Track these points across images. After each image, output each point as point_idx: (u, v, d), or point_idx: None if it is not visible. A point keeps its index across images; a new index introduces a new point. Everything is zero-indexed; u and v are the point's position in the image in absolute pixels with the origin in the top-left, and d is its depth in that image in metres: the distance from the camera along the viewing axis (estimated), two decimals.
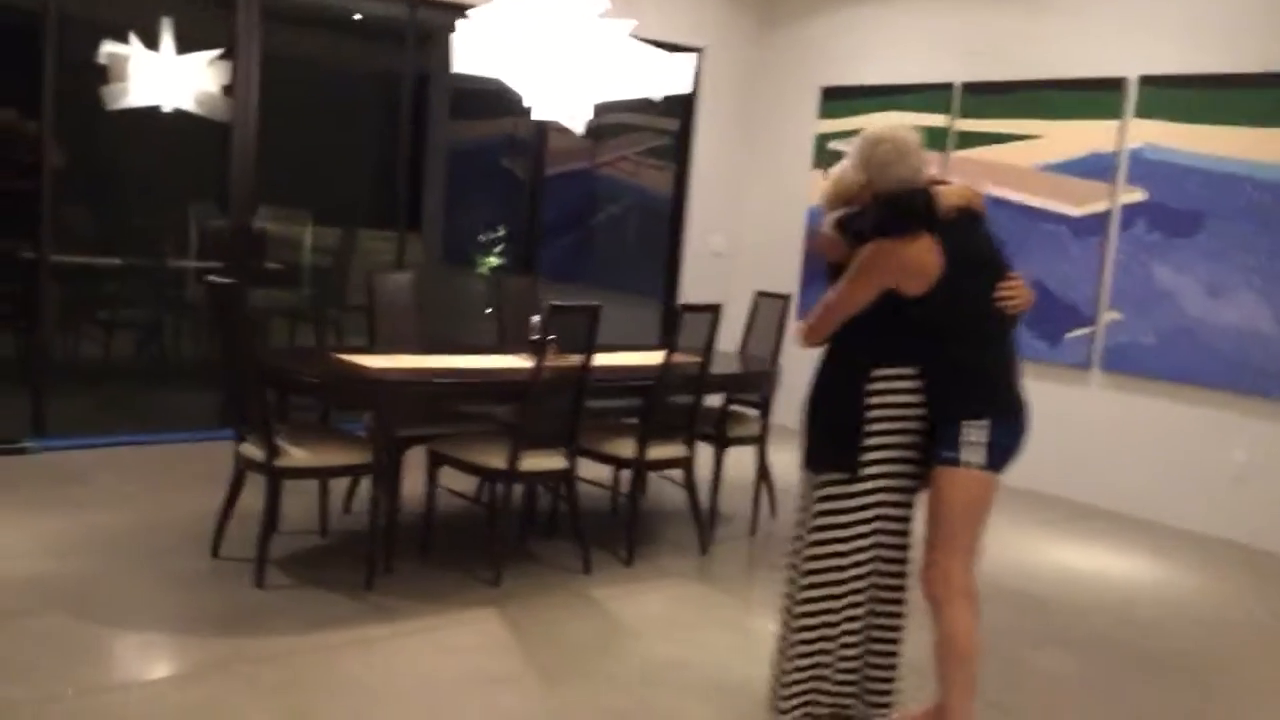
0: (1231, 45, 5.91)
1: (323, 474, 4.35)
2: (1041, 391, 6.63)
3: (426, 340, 5.31)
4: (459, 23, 4.74)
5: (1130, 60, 6.30)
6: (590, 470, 4.95)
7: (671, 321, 6.08)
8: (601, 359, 4.46)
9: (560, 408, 4.45)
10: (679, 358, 4.79)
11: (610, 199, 9.33)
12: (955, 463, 2.99)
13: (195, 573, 4.28)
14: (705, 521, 5.05)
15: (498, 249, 5.81)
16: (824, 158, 7.84)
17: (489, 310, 5.72)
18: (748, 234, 8.31)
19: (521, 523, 5.04)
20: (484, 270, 5.71)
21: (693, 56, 4.88)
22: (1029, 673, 4.03)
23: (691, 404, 4.89)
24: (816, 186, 7.88)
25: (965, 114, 7.07)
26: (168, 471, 5.72)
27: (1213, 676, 4.14)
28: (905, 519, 3.16)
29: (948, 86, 7.15)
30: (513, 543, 4.84)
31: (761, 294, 5.77)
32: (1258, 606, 5.01)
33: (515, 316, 5.53)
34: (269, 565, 4.20)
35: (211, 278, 4.66)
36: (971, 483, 3.00)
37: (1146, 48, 6.25)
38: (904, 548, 3.16)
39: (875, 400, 3.05)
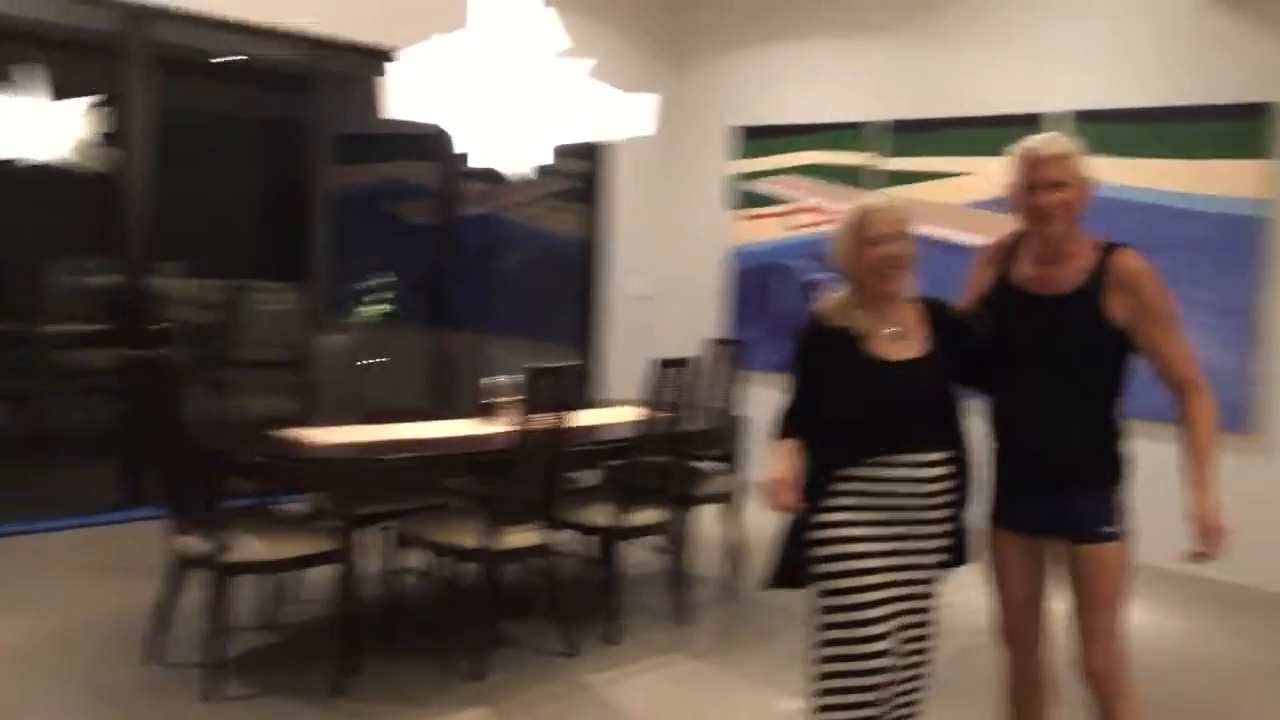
0: (1163, 79, 5.98)
1: (280, 567, 3.88)
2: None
3: (365, 407, 4.88)
4: (389, 66, 4.38)
5: (1057, 95, 6.33)
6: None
7: (588, 375, 5.78)
8: (552, 417, 4.09)
9: (536, 476, 4.09)
10: (644, 414, 4.51)
11: (514, 244, 8.98)
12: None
13: (129, 686, 3.77)
14: (685, 588, 4.74)
15: (385, 297, 5.46)
16: (740, 199, 7.69)
17: (380, 360, 5.31)
18: (668, 277, 8.08)
19: (488, 602, 4.64)
20: (368, 318, 5.35)
21: (654, 97, 4.62)
22: None
23: (668, 464, 4.59)
24: (736, 227, 7.73)
25: (896, 153, 7.00)
26: (69, 564, 5.11)
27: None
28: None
29: (866, 125, 7.07)
30: (481, 626, 4.44)
31: (717, 341, 5.52)
32: (1234, 642, 4.97)
33: (459, 377, 5.15)
34: (217, 671, 3.71)
35: (160, 353, 4.17)
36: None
37: (1067, 84, 6.28)
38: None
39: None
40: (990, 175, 6.55)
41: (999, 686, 3.08)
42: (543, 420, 3.98)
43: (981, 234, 6.55)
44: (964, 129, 6.67)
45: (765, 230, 7.59)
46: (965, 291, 3.00)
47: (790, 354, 2.91)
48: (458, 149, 4.42)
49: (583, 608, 4.56)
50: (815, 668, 2.81)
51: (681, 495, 4.81)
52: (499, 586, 4.58)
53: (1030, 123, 6.36)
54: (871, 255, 2.76)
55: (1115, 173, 6.11)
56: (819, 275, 7.30)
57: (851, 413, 2.77)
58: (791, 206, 7.45)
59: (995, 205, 6.48)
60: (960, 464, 2.82)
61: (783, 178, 7.48)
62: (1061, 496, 2.80)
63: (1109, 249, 2.81)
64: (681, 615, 4.69)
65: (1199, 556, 2.70)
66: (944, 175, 6.77)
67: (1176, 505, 2.88)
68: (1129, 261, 2.79)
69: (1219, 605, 5.42)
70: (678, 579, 4.75)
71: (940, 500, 2.79)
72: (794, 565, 2.83)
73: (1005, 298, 2.87)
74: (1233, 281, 5.77)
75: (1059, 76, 6.33)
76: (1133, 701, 2.83)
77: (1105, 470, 2.82)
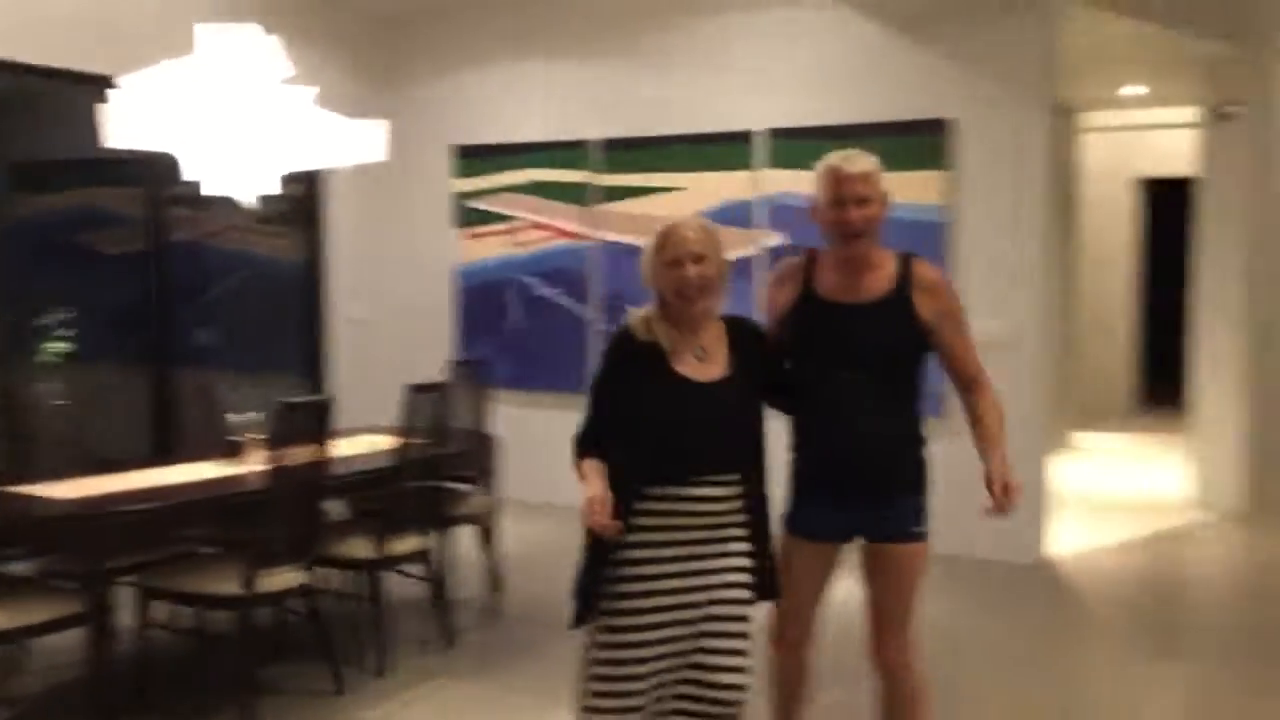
0: (855, 98, 6.51)
1: (24, 635, 3.59)
2: None
3: (86, 455, 4.58)
4: (110, 92, 4.17)
5: (755, 114, 6.75)
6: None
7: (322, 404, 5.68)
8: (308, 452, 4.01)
9: (295, 514, 3.99)
10: (390, 441, 4.51)
11: (221, 271, 8.60)
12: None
13: None
14: (448, 612, 4.74)
15: (65, 335, 5.19)
16: (464, 217, 7.72)
17: (61, 403, 5.00)
18: (392, 299, 7.98)
19: (248, 649, 4.46)
20: (49, 358, 5.07)
21: (384, 124, 4.60)
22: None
23: (426, 490, 4.58)
24: (462, 245, 7.75)
25: (608, 169, 7.24)
26: None
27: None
28: None
29: (584, 143, 7.29)
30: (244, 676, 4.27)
31: (459, 362, 5.54)
32: (954, 607, 5.48)
33: (189, 416, 4.92)
34: None
35: None
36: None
37: (770, 102, 6.72)
38: None
39: None
40: (706, 188, 6.92)
41: (767, 685, 3.17)
42: (299, 455, 3.89)
43: None
44: (677, 145, 7.00)
45: (492, 247, 7.65)
46: (766, 312, 3.04)
47: (599, 366, 2.84)
48: (187, 176, 4.24)
49: (348, 643, 4.48)
50: (582, 694, 2.77)
51: (440, 519, 4.81)
52: (259, 631, 4.43)
53: (740, 140, 6.78)
54: (671, 276, 2.74)
55: (812, 185, 6.59)
56: (549, 292, 7.46)
57: (653, 433, 2.71)
58: (517, 224, 7.55)
59: (715, 216, 6.85)
60: (760, 488, 2.81)
61: (506, 196, 7.57)
62: (873, 499, 2.90)
63: (906, 258, 2.96)
64: (448, 639, 4.69)
65: (998, 511, 2.83)
66: (662, 190, 7.07)
67: None
68: (928, 269, 2.97)
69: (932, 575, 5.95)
70: (441, 604, 4.74)
71: (738, 523, 2.77)
72: (592, 598, 2.73)
73: (812, 310, 2.91)
74: None
75: (763, 96, 6.76)
76: (925, 689, 3.01)
77: (913, 471, 2.96)
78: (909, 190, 6.33)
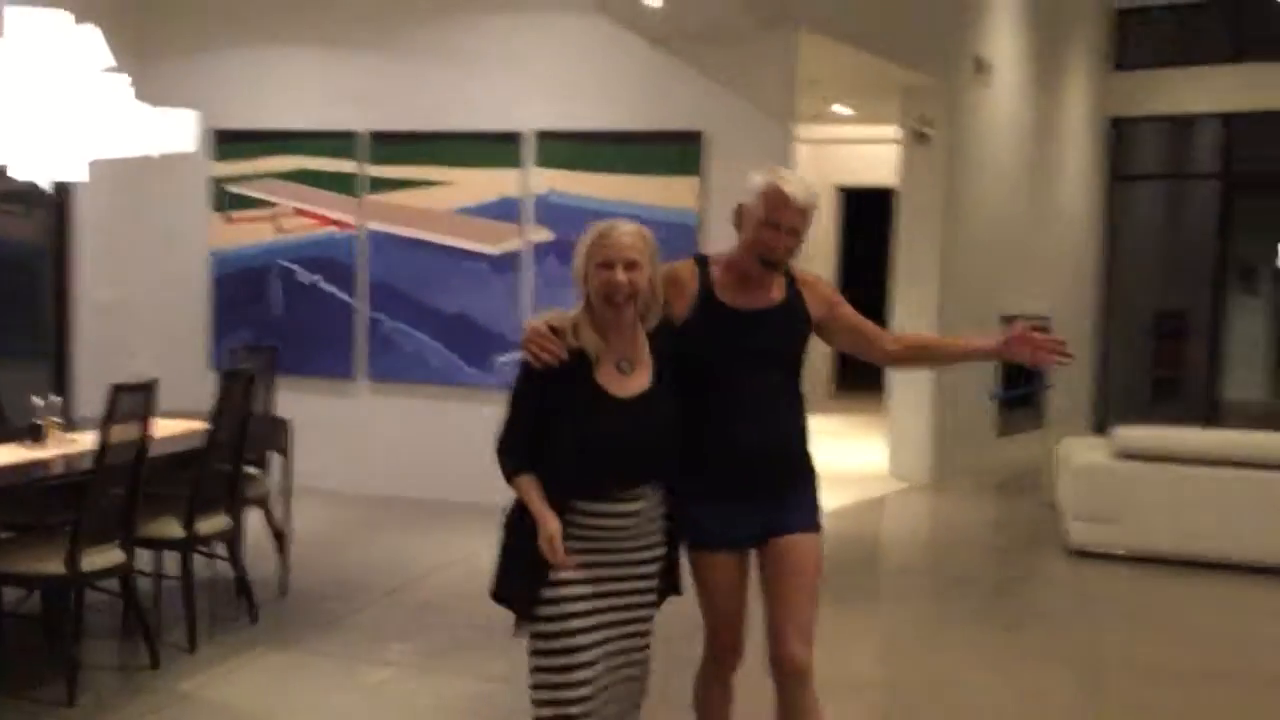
0: (619, 106, 7.04)
1: None
2: (479, 414, 7.33)
3: None
4: None
5: (524, 115, 7.17)
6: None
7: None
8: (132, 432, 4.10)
9: (117, 494, 4.08)
10: (190, 425, 4.65)
11: None
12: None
13: None
14: (249, 588, 4.91)
15: None
16: (223, 202, 7.69)
17: None
18: (144, 283, 7.82)
19: (68, 627, 4.47)
20: None
21: (195, 114, 4.70)
22: None
23: (229, 472, 4.73)
24: (221, 230, 7.71)
25: (377, 161, 7.44)
26: None
27: None
28: None
29: (353, 134, 7.46)
30: (45, 652, 4.31)
31: (247, 348, 5.65)
32: None
33: None
34: None
35: None
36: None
37: (542, 105, 7.16)
38: None
39: None
40: (475, 184, 7.26)
41: (700, 704, 3.11)
42: (123, 435, 3.99)
43: (469, 238, 7.27)
44: (447, 142, 7.30)
45: (253, 233, 7.67)
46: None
47: (520, 367, 2.75)
48: None
49: (157, 620, 4.58)
50: (534, 704, 2.75)
51: (240, 502, 4.95)
52: (76, 610, 4.46)
53: (509, 139, 7.18)
54: (601, 279, 2.66)
55: (577, 185, 7.10)
56: (315, 279, 7.56)
57: (573, 449, 2.66)
58: (280, 210, 7.60)
59: (485, 211, 7.23)
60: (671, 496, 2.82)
61: (270, 182, 7.60)
62: (784, 494, 2.93)
63: (787, 269, 2.97)
64: (252, 615, 4.85)
65: (1058, 350, 2.95)
66: (430, 184, 7.35)
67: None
68: (805, 272, 3.05)
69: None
70: (242, 582, 4.90)
71: (656, 535, 2.78)
72: (517, 591, 2.72)
73: (717, 316, 2.88)
74: None
75: (531, 98, 7.18)
76: (813, 685, 2.93)
77: (810, 464, 3.02)
78: (665, 195, 6.95)
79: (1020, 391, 9.69)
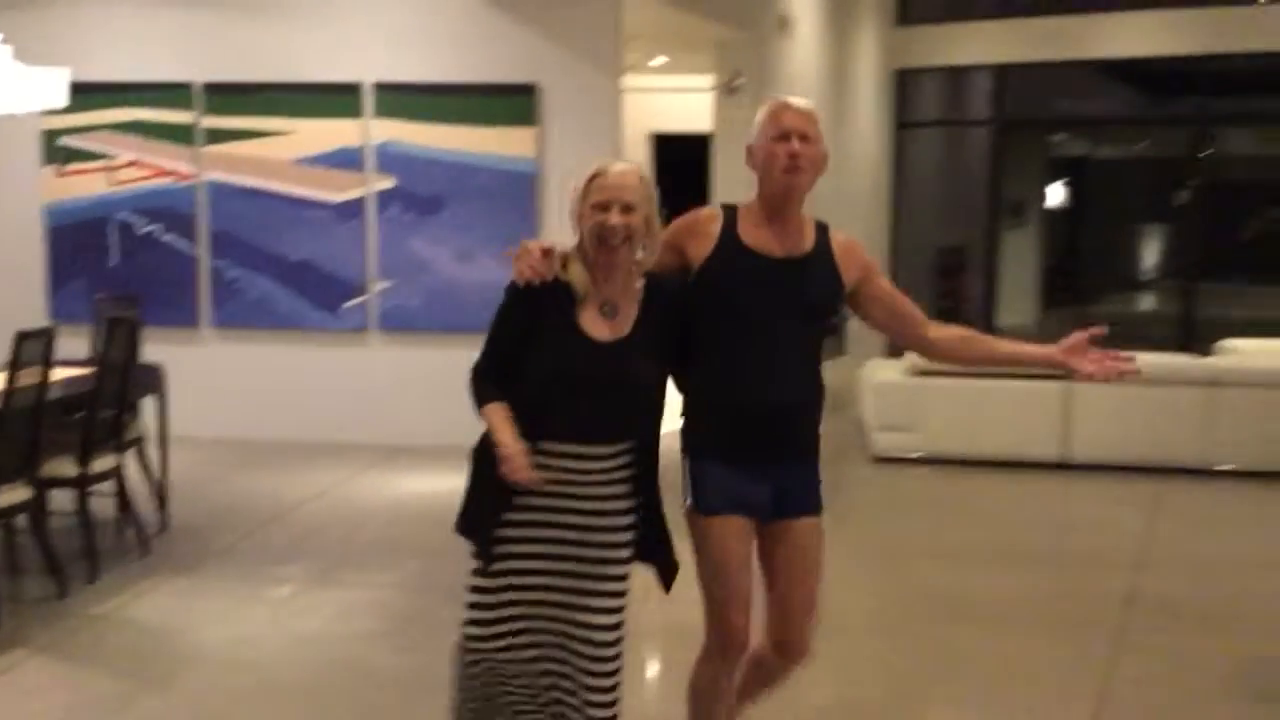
0: (448, 58, 7.38)
1: None
2: (328, 356, 7.63)
3: None
4: None
5: (366, 67, 7.43)
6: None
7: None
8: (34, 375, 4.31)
9: (21, 435, 4.30)
10: (67, 372, 4.87)
11: None
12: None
13: None
14: (140, 523, 5.17)
15: None
16: (56, 155, 7.65)
17: None
18: None
19: None
20: None
21: (67, 70, 4.84)
22: None
23: (115, 416, 4.96)
24: (49, 184, 7.67)
25: (214, 112, 7.55)
26: None
27: None
28: None
29: (189, 85, 7.54)
30: None
31: (113, 298, 5.81)
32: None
33: None
34: None
35: None
36: None
37: (380, 57, 7.43)
38: None
39: None
40: (316, 134, 7.48)
41: (700, 699, 2.91)
42: (27, 378, 4.21)
43: (310, 186, 7.50)
44: (287, 93, 7.48)
45: (88, 185, 7.66)
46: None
47: (505, 295, 2.69)
48: None
49: (58, 554, 4.81)
50: (462, 630, 2.72)
51: (124, 443, 5.19)
52: None
53: (349, 90, 7.42)
54: (595, 220, 2.61)
55: (418, 135, 7.43)
56: (153, 229, 7.64)
57: (545, 384, 2.63)
58: (115, 162, 7.62)
59: (326, 160, 7.47)
60: (652, 456, 2.71)
61: (105, 134, 7.60)
62: (795, 465, 2.80)
63: (821, 225, 2.87)
64: (143, 547, 5.11)
65: (1119, 367, 2.77)
66: (267, 134, 7.52)
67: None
68: (845, 236, 2.89)
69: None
70: (131, 516, 5.15)
71: (624, 481, 2.68)
72: (481, 524, 2.69)
73: (739, 261, 2.74)
74: (514, 221, 7.40)
75: (368, 50, 7.43)
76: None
77: (817, 435, 2.86)
78: (503, 144, 7.37)
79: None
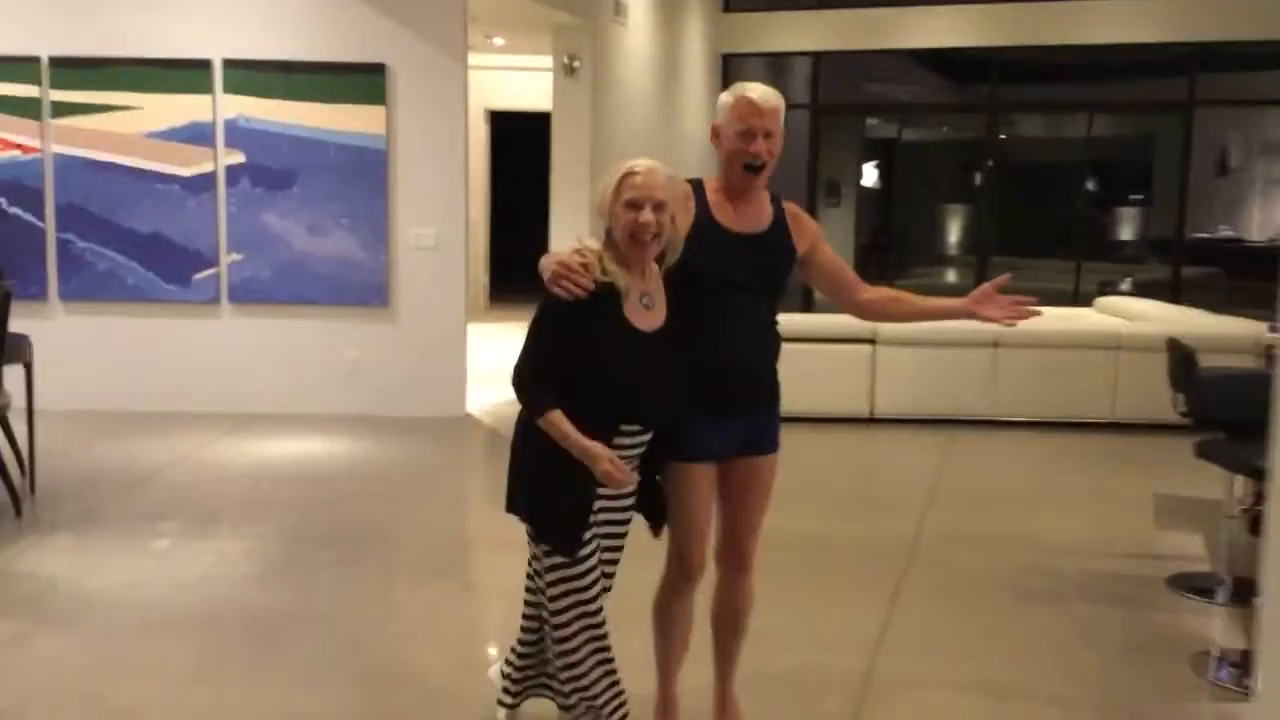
0: (298, 37, 7.65)
1: None
2: (180, 327, 7.87)
3: None
4: None
5: (217, 44, 7.63)
6: None
7: None
8: None
9: None
10: None
11: None
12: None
13: None
14: (11, 485, 5.38)
15: None
16: None
17: None
18: None
19: None
20: None
21: None
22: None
23: None
24: None
25: (58, 86, 7.62)
26: None
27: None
28: None
29: (36, 59, 7.59)
30: None
31: None
32: (394, 452, 7.11)
33: None
34: None
35: None
36: None
37: (231, 35, 7.64)
38: None
39: None
40: (166, 109, 7.65)
41: (663, 623, 3.24)
42: None
43: (160, 160, 7.68)
44: (135, 68, 7.62)
45: None
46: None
47: (548, 298, 2.82)
48: None
49: None
50: (561, 628, 2.91)
51: None
52: None
53: (200, 66, 7.61)
54: (627, 218, 2.78)
55: (269, 111, 7.69)
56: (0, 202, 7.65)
57: (601, 379, 2.80)
58: None
59: (176, 135, 7.64)
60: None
61: None
62: (759, 411, 3.13)
63: (776, 196, 3.16)
64: (16, 509, 5.34)
65: (1019, 310, 3.13)
66: (116, 109, 7.65)
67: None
68: (795, 206, 3.21)
69: (373, 431, 7.51)
70: (6, 480, 5.37)
71: (644, 455, 2.96)
72: (567, 529, 2.85)
73: (713, 237, 3.00)
74: (364, 196, 7.76)
75: (219, 28, 7.63)
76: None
77: (778, 387, 3.19)
78: (354, 122, 7.70)
79: None
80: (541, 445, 2.82)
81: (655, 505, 3.07)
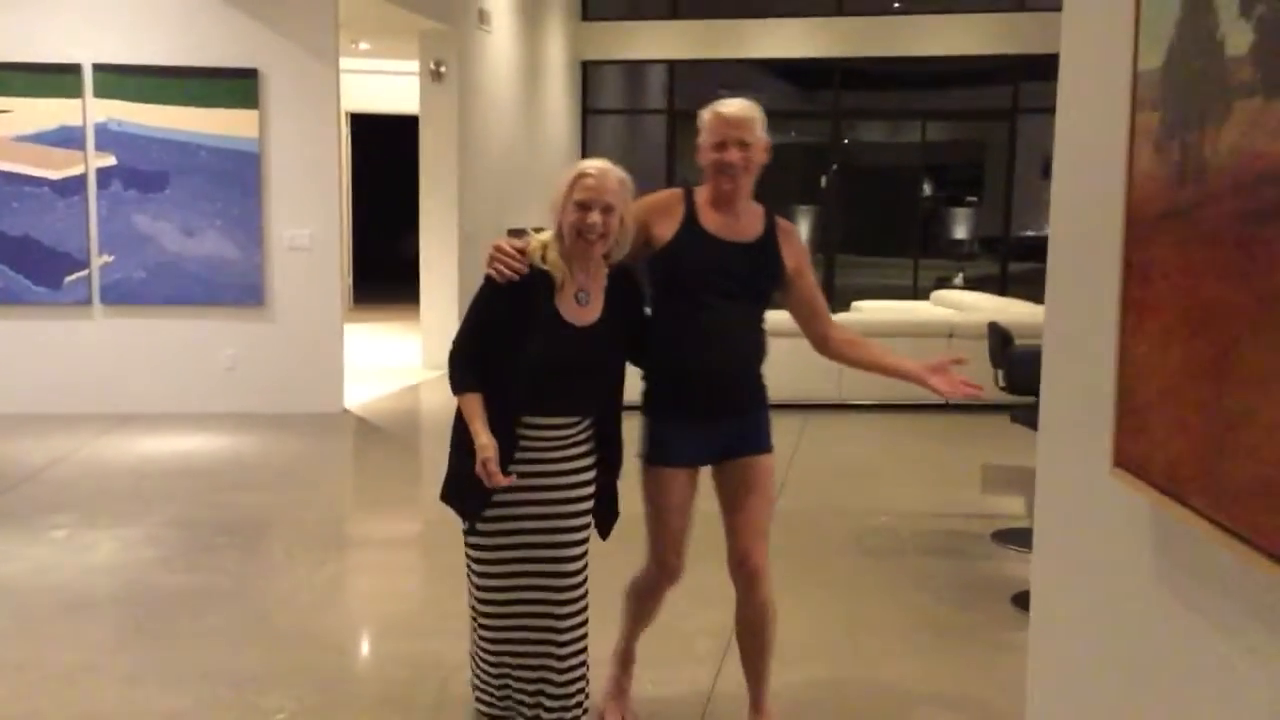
0: (170, 41, 7.79)
1: None
2: (50, 330, 7.95)
3: None
4: None
5: (86, 49, 7.70)
6: None
7: None
8: None
9: None
10: None
11: None
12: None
13: None
14: None
15: None
16: None
17: None
18: None
19: None
20: None
21: None
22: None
23: None
24: None
25: None
26: None
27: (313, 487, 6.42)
28: None
29: None
30: None
31: None
32: (275, 447, 7.34)
33: None
34: None
35: None
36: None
37: (101, 40, 7.72)
38: None
39: None
40: (35, 112, 7.68)
41: (635, 602, 3.36)
42: None
43: (29, 163, 7.71)
44: (1, 72, 7.62)
45: None
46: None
47: (482, 288, 2.93)
48: None
49: None
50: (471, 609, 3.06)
51: None
52: None
53: (71, 71, 7.67)
54: (576, 216, 2.86)
55: (140, 115, 7.80)
56: None
57: (530, 368, 2.87)
58: None
59: (47, 139, 7.68)
60: (613, 426, 3.04)
61: None
62: (741, 415, 3.14)
63: (769, 211, 3.19)
64: None
65: (969, 390, 3.20)
66: None
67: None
68: (788, 224, 3.24)
69: (253, 428, 7.71)
70: None
71: (587, 458, 2.99)
72: (468, 503, 2.94)
73: (698, 242, 3.07)
74: (239, 198, 7.94)
75: (89, 33, 7.71)
76: (768, 583, 3.22)
77: (765, 389, 3.21)
78: (227, 125, 7.87)
79: None
80: (462, 427, 2.95)
81: (600, 510, 3.07)
